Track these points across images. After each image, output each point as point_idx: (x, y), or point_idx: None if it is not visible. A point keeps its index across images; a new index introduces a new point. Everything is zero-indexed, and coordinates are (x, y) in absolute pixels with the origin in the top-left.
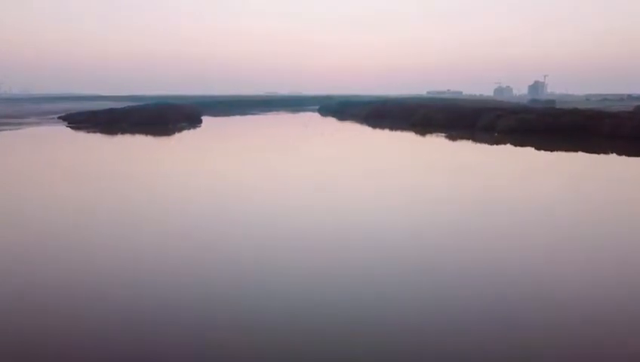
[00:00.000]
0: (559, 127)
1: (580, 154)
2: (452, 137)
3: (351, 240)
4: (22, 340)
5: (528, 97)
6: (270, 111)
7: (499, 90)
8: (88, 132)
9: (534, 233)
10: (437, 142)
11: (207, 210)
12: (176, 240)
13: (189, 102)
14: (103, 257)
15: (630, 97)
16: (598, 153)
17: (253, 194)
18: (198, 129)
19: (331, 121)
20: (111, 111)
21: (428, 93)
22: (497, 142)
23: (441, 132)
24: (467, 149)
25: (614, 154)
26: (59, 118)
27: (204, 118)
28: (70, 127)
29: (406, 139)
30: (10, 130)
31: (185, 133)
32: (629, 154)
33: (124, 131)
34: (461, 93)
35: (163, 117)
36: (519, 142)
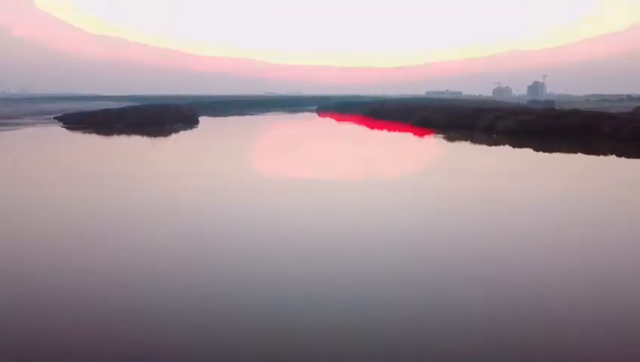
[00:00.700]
0: (559, 128)
1: (580, 155)
2: (450, 138)
3: (351, 241)
4: (22, 340)
5: (527, 98)
6: (268, 111)
7: (498, 90)
8: (84, 132)
9: (533, 233)
10: (436, 143)
11: (206, 210)
12: (175, 240)
13: (189, 103)
14: (103, 257)
15: (629, 98)
16: (598, 154)
17: (252, 194)
18: (194, 129)
19: (329, 121)
20: (107, 111)
21: (427, 93)
22: (496, 143)
23: (440, 133)
24: (466, 150)
25: (614, 156)
26: (55, 118)
27: (202, 119)
28: (66, 127)
29: (404, 140)
30: (3, 130)
31: (181, 133)
32: (628, 156)
33: (119, 132)
34: (460, 93)
35: (159, 117)
36: (518, 144)
